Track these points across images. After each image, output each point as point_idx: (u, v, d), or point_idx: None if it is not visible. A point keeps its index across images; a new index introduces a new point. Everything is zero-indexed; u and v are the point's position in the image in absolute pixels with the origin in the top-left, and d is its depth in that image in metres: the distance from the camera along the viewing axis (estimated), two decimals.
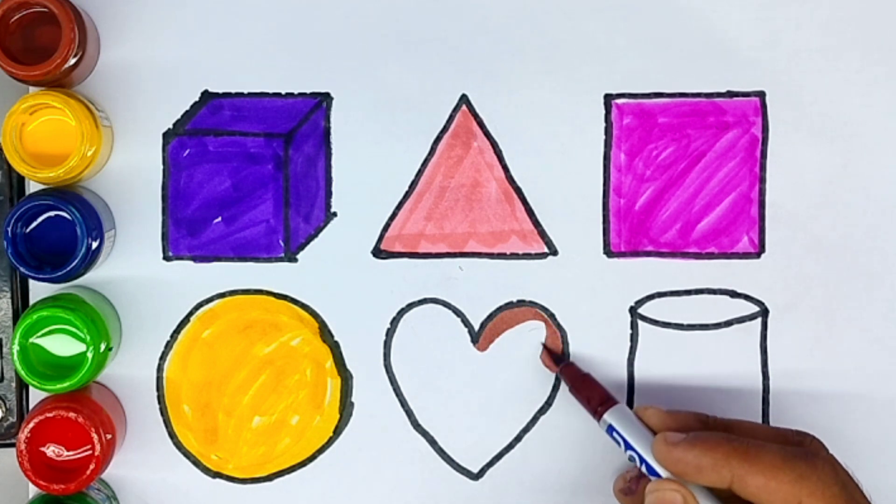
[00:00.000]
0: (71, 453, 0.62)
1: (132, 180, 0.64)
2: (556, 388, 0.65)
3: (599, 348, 0.65)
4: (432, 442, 0.65)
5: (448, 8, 0.64)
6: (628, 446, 0.59)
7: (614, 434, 0.60)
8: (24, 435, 0.60)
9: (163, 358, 0.65)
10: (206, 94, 0.65)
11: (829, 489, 0.54)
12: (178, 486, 0.65)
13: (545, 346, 0.64)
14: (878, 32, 0.64)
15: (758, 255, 0.65)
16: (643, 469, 0.58)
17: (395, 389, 0.65)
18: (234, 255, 0.65)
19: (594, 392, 0.61)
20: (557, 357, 0.64)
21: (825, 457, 0.56)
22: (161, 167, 0.65)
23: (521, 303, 0.65)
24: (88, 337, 0.60)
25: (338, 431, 0.65)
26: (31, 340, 0.61)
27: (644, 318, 0.65)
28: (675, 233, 0.65)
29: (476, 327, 0.65)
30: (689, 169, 0.65)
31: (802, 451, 0.56)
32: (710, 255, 0.65)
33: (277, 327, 0.65)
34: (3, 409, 0.64)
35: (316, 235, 0.65)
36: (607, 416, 0.60)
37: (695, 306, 0.65)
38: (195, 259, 0.65)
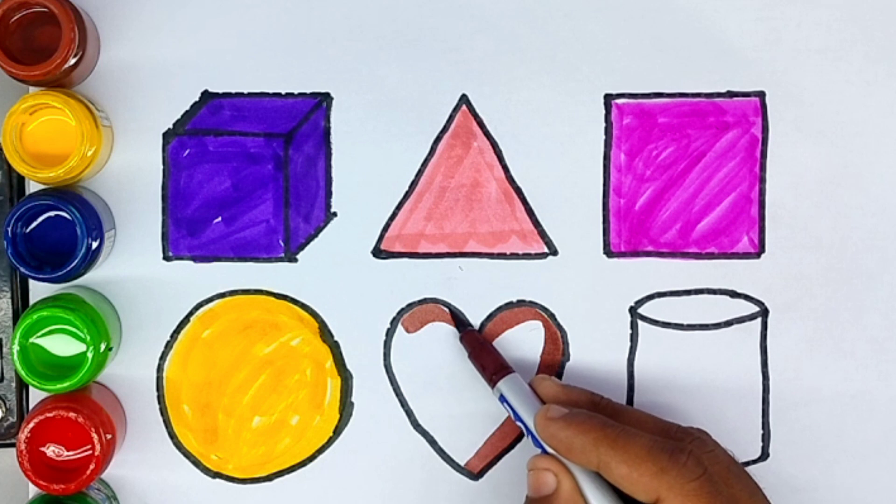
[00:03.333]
0: (71, 453, 0.62)
1: (132, 180, 0.64)
2: None
3: (599, 348, 0.65)
4: (432, 442, 0.65)
5: (448, 8, 0.64)
6: (517, 416, 0.59)
7: (505, 404, 0.60)
8: (24, 435, 0.60)
9: (163, 358, 0.65)
10: (206, 94, 0.65)
11: (689, 484, 0.54)
12: (178, 486, 0.65)
13: (451, 312, 0.64)
14: (878, 32, 0.64)
15: (758, 255, 0.65)
16: (531, 440, 0.59)
17: (395, 389, 0.65)
18: (234, 255, 0.65)
19: (490, 360, 0.62)
20: (461, 323, 0.64)
21: (692, 451, 0.55)
22: (161, 167, 0.65)
23: (521, 303, 0.65)
24: (88, 337, 0.60)
25: (338, 431, 0.65)
26: (31, 340, 0.61)
27: (644, 318, 0.65)
28: (675, 233, 0.65)
29: (476, 327, 0.65)
30: (689, 169, 0.65)
31: (671, 444, 0.55)
32: (710, 255, 0.65)
33: (277, 327, 0.65)
34: (3, 409, 0.64)
35: (316, 235, 0.65)
36: (501, 385, 0.61)
37: (695, 306, 0.65)
38: (195, 259, 0.65)
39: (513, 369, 0.62)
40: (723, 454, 0.57)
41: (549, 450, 0.58)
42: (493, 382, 0.61)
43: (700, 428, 0.59)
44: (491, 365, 0.62)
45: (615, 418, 0.58)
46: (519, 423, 0.60)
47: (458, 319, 0.64)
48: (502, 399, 0.61)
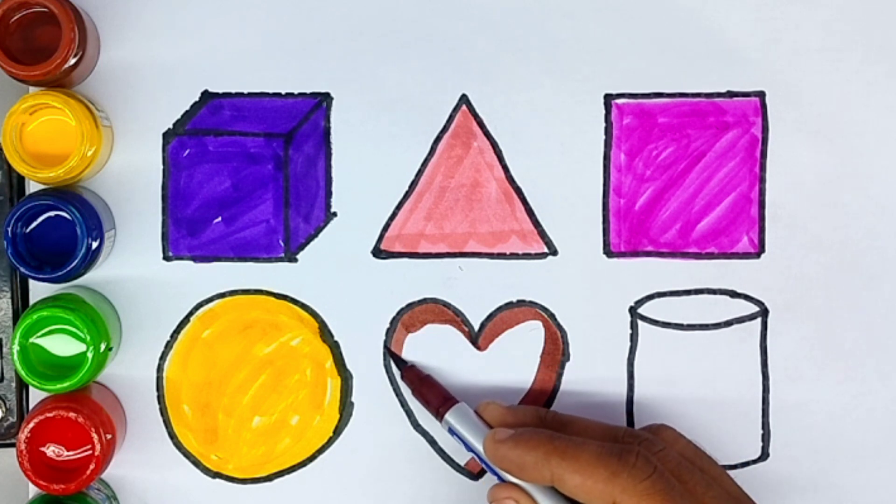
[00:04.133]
0: (71, 453, 0.62)
1: (132, 180, 0.64)
2: (556, 389, 0.65)
3: (599, 348, 0.65)
4: (432, 442, 0.65)
5: (448, 8, 0.64)
6: (468, 447, 0.60)
7: (454, 436, 0.60)
8: (24, 435, 0.60)
9: (163, 358, 0.65)
10: (206, 94, 0.65)
11: (640, 484, 0.54)
12: (178, 486, 0.65)
13: (389, 350, 0.64)
14: (878, 32, 0.64)
15: (758, 255, 0.65)
16: (486, 469, 0.59)
17: (395, 389, 0.65)
18: (234, 255, 0.65)
19: (434, 393, 0.62)
20: (399, 360, 0.64)
21: (640, 452, 0.55)
22: (161, 167, 0.65)
23: (521, 303, 0.65)
24: (88, 337, 0.60)
25: (338, 431, 0.65)
26: (31, 340, 0.61)
27: (644, 318, 0.65)
28: (675, 233, 0.65)
29: (476, 327, 0.65)
30: (689, 169, 0.65)
31: (618, 447, 0.56)
32: (710, 255, 0.65)
33: (277, 327, 0.65)
34: (3, 409, 0.64)
35: (316, 235, 0.65)
36: (448, 417, 0.60)
37: (695, 306, 0.65)
38: (195, 259, 0.65)
39: (457, 400, 0.61)
40: (673, 452, 0.57)
41: (506, 476, 0.58)
42: (440, 416, 0.61)
43: (662, 424, 0.59)
44: (435, 399, 0.62)
45: (563, 430, 0.58)
46: (471, 453, 0.60)
47: (395, 357, 0.64)
48: (451, 431, 0.60)
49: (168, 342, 0.65)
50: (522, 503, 0.57)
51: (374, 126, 0.65)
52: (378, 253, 0.65)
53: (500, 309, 0.65)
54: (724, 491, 0.57)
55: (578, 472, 0.55)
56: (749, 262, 0.65)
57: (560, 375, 0.65)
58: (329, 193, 0.65)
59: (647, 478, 0.54)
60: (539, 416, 0.60)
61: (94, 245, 0.61)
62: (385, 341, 0.65)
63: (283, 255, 0.65)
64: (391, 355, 0.64)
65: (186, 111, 0.65)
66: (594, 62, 0.65)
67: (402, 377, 0.64)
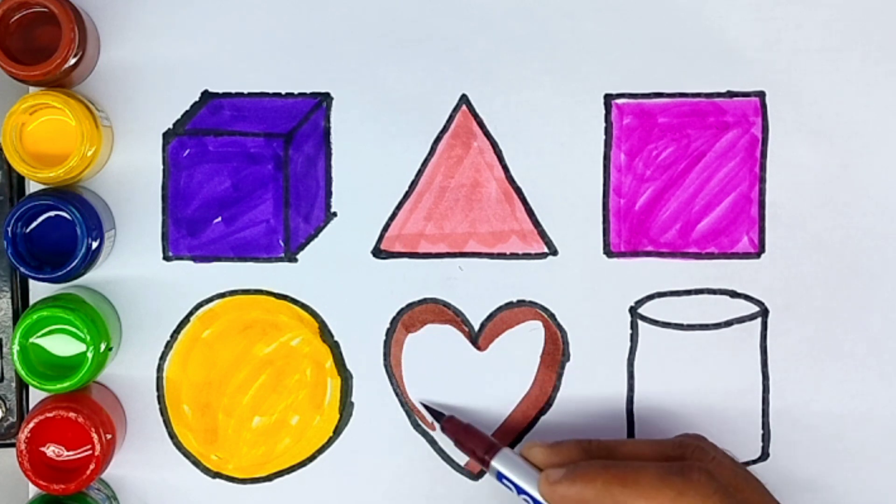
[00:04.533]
0: (71, 453, 0.62)
1: (132, 180, 0.64)
2: (556, 389, 0.65)
3: (599, 348, 0.65)
4: (432, 442, 0.65)
5: (448, 8, 0.64)
6: (520, 490, 0.59)
7: (504, 481, 0.60)
8: (24, 435, 0.60)
9: (163, 358, 0.65)
10: (206, 94, 0.65)
11: (709, 500, 0.54)
12: (178, 486, 0.65)
13: (426, 406, 0.64)
14: (878, 32, 0.64)
15: (758, 255, 0.65)
16: None
17: (395, 389, 0.65)
18: (234, 255, 0.65)
19: (478, 442, 0.61)
20: (437, 414, 0.64)
21: (700, 467, 0.55)
22: (161, 167, 0.65)
23: (521, 303, 0.65)
24: (88, 337, 0.60)
25: (338, 431, 0.65)
26: (31, 340, 0.61)
27: (644, 318, 0.65)
28: (675, 233, 0.65)
29: (476, 327, 0.65)
30: (689, 169, 0.65)
31: (678, 466, 0.56)
32: (710, 255, 0.65)
33: (277, 327, 0.65)
34: (3, 409, 0.64)
35: (316, 235, 0.65)
36: (494, 463, 0.60)
37: (695, 306, 0.65)
38: (195, 259, 0.65)
39: (500, 445, 0.61)
40: (724, 457, 0.57)
41: None
42: (486, 464, 0.61)
43: (695, 434, 0.59)
44: (481, 447, 0.61)
45: (611, 456, 0.58)
46: (524, 497, 0.59)
47: (433, 412, 0.64)
48: (500, 477, 0.60)
49: (168, 342, 0.65)
50: None
51: (374, 126, 0.65)
52: (378, 253, 0.65)
53: (500, 309, 0.65)
54: (767, 497, 0.57)
55: (643, 497, 0.54)
56: (749, 262, 0.65)
57: (560, 375, 0.65)
58: (329, 193, 0.65)
59: (713, 493, 0.54)
60: (583, 447, 0.59)
61: (94, 245, 0.61)
62: (385, 341, 0.65)
63: (283, 255, 0.65)
64: (428, 410, 0.64)
65: (186, 111, 0.65)
66: (594, 62, 0.65)
67: (442, 429, 0.63)
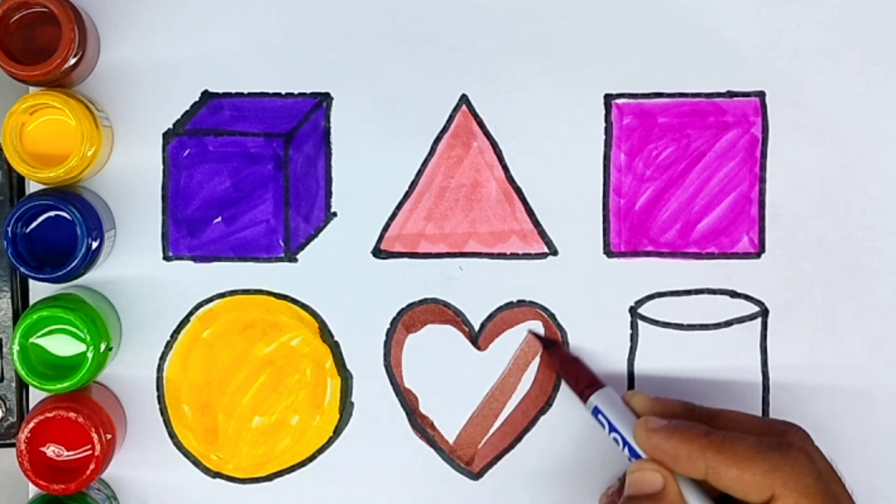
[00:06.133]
0: (71, 453, 0.62)
1: (132, 180, 0.64)
2: (556, 389, 0.65)
3: (599, 348, 0.65)
4: (432, 442, 0.65)
5: (448, 8, 0.64)
6: (612, 428, 0.59)
7: (599, 416, 0.60)
8: (24, 435, 0.60)
9: (163, 358, 0.65)
10: (206, 94, 0.65)
11: (803, 479, 0.54)
12: (178, 486, 0.65)
13: (532, 332, 0.64)
14: (878, 32, 0.64)
15: (758, 255, 0.65)
16: (626, 452, 0.58)
17: (395, 389, 0.65)
18: (234, 255, 0.65)
19: (582, 374, 0.62)
20: (546, 340, 0.64)
21: (801, 447, 0.55)
22: (161, 167, 0.65)
23: (521, 303, 0.65)
24: (88, 337, 0.60)
25: (338, 431, 0.65)
26: (31, 340, 0.61)
27: (644, 318, 0.65)
28: (675, 233, 0.65)
29: (476, 327, 0.65)
30: (689, 169, 0.65)
31: (777, 441, 0.55)
32: (710, 255, 0.65)
33: (277, 327, 0.65)
34: (3, 409, 0.64)
35: (316, 235, 0.65)
36: (593, 399, 0.60)
37: (695, 306, 0.65)
38: (195, 259, 0.65)
39: (604, 384, 0.61)
40: (823, 456, 0.57)
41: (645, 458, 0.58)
42: (584, 397, 0.61)
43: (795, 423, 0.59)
44: (584, 380, 0.61)
45: (713, 423, 0.58)
46: (614, 435, 0.59)
47: (541, 339, 0.64)
48: (596, 411, 0.60)
49: (168, 342, 0.65)
50: (668, 479, 0.56)
51: (374, 126, 0.65)
52: (378, 253, 0.65)
53: (500, 309, 0.65)
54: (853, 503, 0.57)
55: (736, 465, 0.54)
56: (749, 262, 0.65)
57: (560, 375, 0.65)
58: (329, 193, 0.65)
59: (809, 475, 0.54)
60: (688, 408, 0.59)
61: (94, 245, 0.61)
62: (385, 341, 0.65)
63: (283, 255, 0.65)
64: (536, 336, 0.64)
65: (186, 111, 0.65)
66: (594, 62, 0.65)
67: (549, 354, 0.63)
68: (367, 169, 0.65)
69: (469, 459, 0.65)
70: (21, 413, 0.65)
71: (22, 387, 0.65)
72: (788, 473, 0.54)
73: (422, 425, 0.65)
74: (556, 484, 0.65)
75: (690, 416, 0.59)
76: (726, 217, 0.65)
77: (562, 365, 0.63)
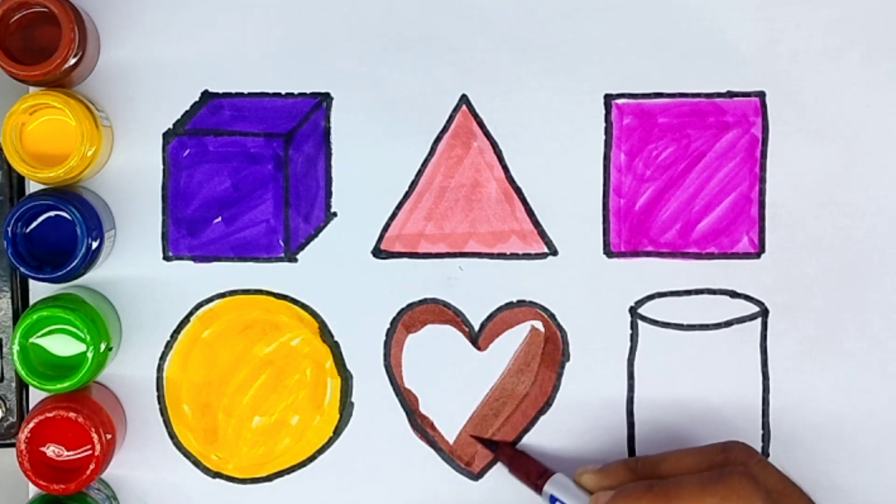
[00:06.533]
0: (71, 453, 0.62)
1: (132, 180, 0.64)
2: (556, 389, 0.65)
3: (599, 348, 0.65)
4: (432, 442, 0.65)
5: (448, 8, 0.64)
6: None
7: (556, 503, 0.61)
8: (24, 435, 0.60)
9: (163, 358, 0.65)
10: (206, 94, 0.65)
11: (749, 502, 0.55)
12: (178, 486, 0.65)
13: (477, 437, 0.65)
14: (878, 32, 0.64)
15: (758, 255, 0.65)
16: None
17: (395, 390, 0.65)
18: (234, 255, 0.65)
19: (532, 467, 0.63)
20: (489, 442, 0.65)
21: (743, 471, 0.56)
22: (161, 167, 0.65)
23: (521, 303, 0.65)
24: (88, 337, 0.60)
25: (338, 431, 0.65)
26: (31, 340, 0.61)
27: (644, 318, 0.65)
28: (675, 233, 0.65)
29: (476, 327, 0.65)
30: (689, 169, 0.65)
31: (718, 472, 0.56)
32: (710, 255, 0.65)
33: (277, 327, 0.65)
34: (3, 409, 0.64)
35: (316, 235, 0.65)
36: (548, 487, 0.62)
37: (695, 306, 0.65)
38: (195, 259, 0.65)
39: (553, 471, 0.62)
40: (772, 467, 0.58)
41: None
42: (538, 488, 0.62)
43: (741, 441, 0.59)
44: (534, 472, 0.63)
45: (657, 470, 0.59)
46: None
47: (485, 442, 0.65)
48: (552, 500, 0.61)
49: (168, 342, 0.65)
50: None
51: (374, 126, 0.65)
52: (378, 253, 0.65)
53: (500, 309, 0.65)
54: None
55: None
56: (749, 262, 0.65)
57: (560, 375, 0.65)
58: (329, 193, 0.65)
59: (756, 495, 0.55)
60: (629, 468, 0.61)
61: (94, 245, 0.61)
62: (385, 341, 0.65)
63: (283, 255, 0.65)
64: (480, 441, 0.65)
65: (186, 111, 0.65)
66: (594, 62, 0.65)
67: (497, 455, 0.64)
68: (367, 169, 0.65)
69: (469, 459, 0.65)
70: (21, 413, 0.65)
71: (22, 387, 0.65)
72: (735, 501, 0.55)
73: (422, 425, 0.65)
74: None
75: (635, 474, 0.60)
76: (726, 217, 0.65)
77: (511, 462, 0.64)
